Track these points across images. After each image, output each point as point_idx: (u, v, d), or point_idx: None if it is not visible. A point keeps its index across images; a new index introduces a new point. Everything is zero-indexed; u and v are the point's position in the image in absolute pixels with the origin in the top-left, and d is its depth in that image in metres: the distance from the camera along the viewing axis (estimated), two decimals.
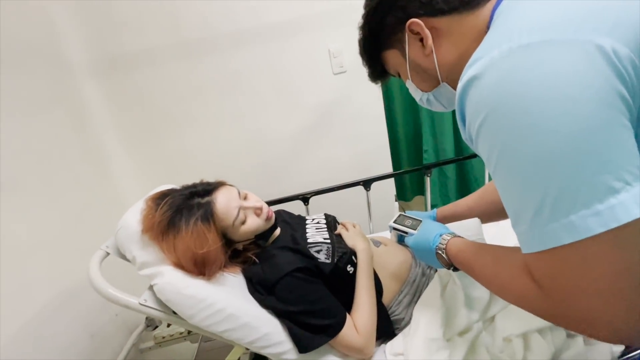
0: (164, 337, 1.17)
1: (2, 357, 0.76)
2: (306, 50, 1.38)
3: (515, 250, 0.44)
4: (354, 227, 0.93)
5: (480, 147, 0.41)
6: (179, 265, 0.68)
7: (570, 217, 0.33)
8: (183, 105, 1.39)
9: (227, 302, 0.67)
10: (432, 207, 1.73)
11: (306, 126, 1.48)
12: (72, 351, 0.95)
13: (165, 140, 1.42)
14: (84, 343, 0.99)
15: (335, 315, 0.72)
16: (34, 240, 0.91)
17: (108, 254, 0.74)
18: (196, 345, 1.25)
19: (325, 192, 1.25)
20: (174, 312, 0.67)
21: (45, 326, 0.88)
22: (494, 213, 0.81)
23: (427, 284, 0.85)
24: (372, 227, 1.34)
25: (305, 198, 1.25)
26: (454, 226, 0.70)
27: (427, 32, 0.50)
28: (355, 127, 1.50)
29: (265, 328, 0.69)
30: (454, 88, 0.55)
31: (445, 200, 1.86)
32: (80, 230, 1.07)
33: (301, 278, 0.71)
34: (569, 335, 0.71)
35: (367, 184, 1.26)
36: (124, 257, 0.74)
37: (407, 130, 1.91)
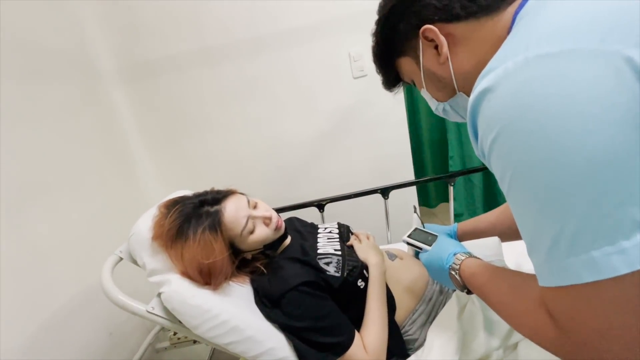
0: (179, 338, 1.19)
1: (25, 352, 0.80)
2: (326, 54, 1.36)
3: (533, 279, 0.39)
4: (368, 238, 0.89)
5: (493, 166, 0.37)
6: (186, 274, 0.68)
7: (592, 253, 0.29)
8: (204, 110, 1.42)
9: (232, 313, 0.66)
10: (457, 216, 1.65)
11: (325, 131, 1.46)
12: (92, 348, 0.98)
13: (186, 144, 1.46)
14: (103, 341, 1.03)
15: (343, 333, 0.68)
16: (59, 239, 0.95)
17: (121, 258, 0.76)
18: (211, 347, 1.27)
19: (341, 199, 1.22)
20: (180, 321, 0.67)
21: (66, 323, 0.92)
22: (517, 231, 0.74)
23: (444, 303, 0.79)
24: (390, 237, 1.29)
25: (320, 205, 1.23)
26: (472, 244, 0.65)
27: (442, 38, 0.47)
28: (376, 132, 1.46)
29: (270, 342, 0.67)
30: None
31: (471, 209, 1.77)
32: (103, 231, 1.11)
33: (308, 292, 0.69)
34: None
35: (385, 192, 1.22)
36: (135, 262, 0.76)
37: (432, 136, 1.84)
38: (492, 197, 1.72)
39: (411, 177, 1.53)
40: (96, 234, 1.08)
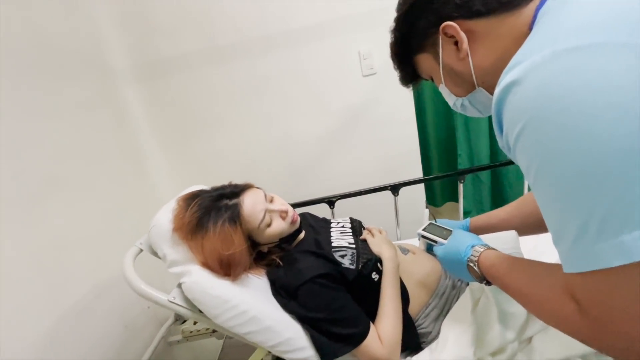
0: (191, 332, 1.21)
1: (45, 342, 0.81)
2: (336, 52, 1.37)
3: (555, 267, 0.40)
4: (380, 233, 0.91)
5: (519, 157, 0.37)
6: (206, 265, 0.69)
7: (622, 238, 0.30)
8: (215, 108, 1.44)
9: (251, 304, 0.68)
10: (465, 214, 1.66)
11: (334, 129, 1.47)
12: (108, 339, 1.00)
13: (197, 142, 1.47)
14: (118, 333, 1.05)
15: (358, 324, 0.70)
16: (76, 233, 0.97)
17: (141, 250, 0.78)
18: (222, 341, 1.28)
19: (352, 195, 1.24)
20: (200, 311, 0.68)
21: (84, 315, 0.94)
22: (531, 226, 0.75)
23: (457, 298, 0.80)
24: (400, 234, 1.30)
25: (331, 201, 1.24)
26: (488, 238, 0.66)
27: (463, 35, 0.47)
28: (385, 129, 1.47)
29: (288, 333, 0.69)
30: (490, 93, 0.52)
31: (479, 208, 1.77)
32: (117, 226, 1.13)
33: (323, 284, 0.70)
34: None
35: (395, 188, 1.23)
36: (155, 254, 0.77)
37: (440, 134, 1.84)
38: (499, 195, 1.73)
39: (419, 175, 1.54)
40: (110, 229, 1.10)
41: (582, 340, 0.38)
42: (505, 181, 1.69)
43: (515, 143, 0.37)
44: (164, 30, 1.33)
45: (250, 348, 0.99)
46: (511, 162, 1.29)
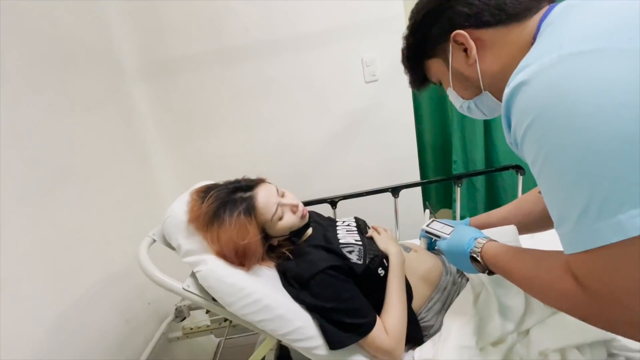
0: (191, 329, 1.21)
1: (49, 334, 0.81)
2: (340, 58, 1.42)
3: (556, 252, 0.44)
4: (386, 231, 0.94)
5: (526, 150, 0.41)
6: (222, 254, 0.71)
7: (618, 217, 0.33)
8: (220, 108, 1.46)
9: (264, 293, 0.70)
10: (461, 218, 1.70)
11: (336, 132, 1.51)
12: (110, 334, 1.00)
13: (202, 141, 1.49)
14: (120, 327, 1.05)
15: (366, 315, 0.73)
16: (81, 227, 0.97)
17: (154, 241, 0.79)
18: (220, 340, 1.28)
19: (354, 196, 1.27)
20: (214, 299, 0.70)
21: (87, 308, 0.94)
22: (530, 225, 0.80)
23: (458, 293, 0.84)
24: (399, 235, 1.34)
25: (333, 202, 1.27)
26: (489, 232, 0.70)
27: (472, 43, 0.52)
28: (385, 134, 1.51)
29: (299, 322, 0.71)
30: (496, 97, 0.56)
31: (473, 213, 1.82)
32: (121, 221, 1.13)
33: (334, 276, 0.73)
34: (610, 355, 0.68)
35: (395, 191, 1.27)
36: (169, 245, 0.79)
37: (435, 140, 1.90)
38: (494, 202, 1.78)
39: (417, 179, 1.59)
40: (114, 223, 1.10)
41: (583, 317, 0.42)
42: (500, 188, 1.74)
43: (524, 137, 0.41)
44: (174, 30, 1.36)
45: (249, 348, 1.00)
46: (506, 168, 1.36)
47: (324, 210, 1.26)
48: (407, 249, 0.95)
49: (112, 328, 1.02)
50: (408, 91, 1.45)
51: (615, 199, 0.34)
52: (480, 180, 1.77)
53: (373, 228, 0.95)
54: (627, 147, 0.33)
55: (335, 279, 0.73)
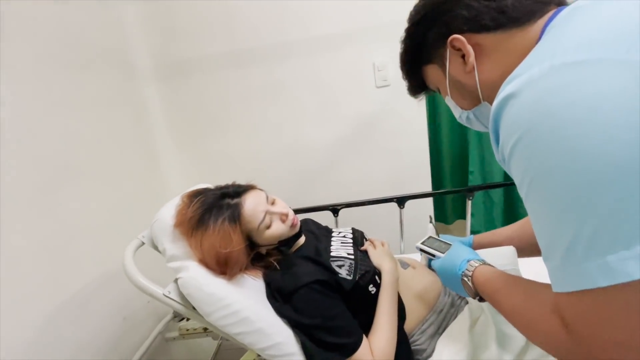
0: (187, 330, 1.22)
1: (44, 328, 0.83)
2: (351, 62, 1.39)
3: (547, 286, 0.39)
4: (382, 245, 0.89)
5: (513, 170, 0.37)
6: (204, 262, 0.70)
7: (608, 258, 0.29)
8: (229, 110, 1.47)
9: (244, 305, 0.68)
10: (473, 233, 1.61)
11: (345, 137, 1.48)
12: (106, 330, 1.02)
13: (210, 142, 1.51)
14: (117, 324, 1.07)
15: (351, 334, 0.68)
16: (84, 223, 1.00)
17: (143, 243, 0.79)
18: (217, 341, 1.28)
19: (356, 205, 1.23)
20: (194, 308, 0.69)
21: (85, 303, 0.96)
22: (536, 246, 0.73)
23: (456, 316, 0.78)
24: (403, 247, 1.28)
25: (335, 209, 1.23)
26: (486, 252, 0.64)
27: (469, 48, 0.48)
28: (395, 141, 1.46)
29: (278, 337, 0.68)
30: None
31: (490, 227, 1.72)
32: (125, 218, 1.16)
33: (319, 291, 0.69)
34: None
35: (401, 201, 1.22)
36: (156, 248, 0.79)
37: (453, 149, 1.81)
38: (512, 215, 1.68)
39: (428, 189, 1.52)
40: (118, 221, 1.13)
41: (565, 359, 0.37)
42: (519, 202, 1.64)
43: (510, 156, 0.36)
44: (187, 32, 1.38)
45: (245, 351, 0.99)
46: None
47: (326, 217, 1.23)
48: (405, 264, 0.89)
49: (108, 325, 1.04)
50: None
51: (605, 236, 0.29)
52: (497, 194, 1.67)
53: (369, 241, 0.91)
54: (620, 175, 0.28)
55: (320, 295, 0.69)
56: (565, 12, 0.41)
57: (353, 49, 1.37)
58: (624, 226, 0.28)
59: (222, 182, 0.85)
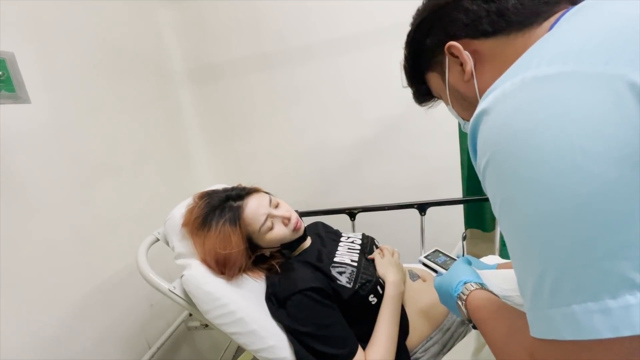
0: None
1: (77, 310, 0.93)
2: (376, 62, 1.34)
3: None
4: (393, 255, 0.86)
5: (487, 191, 0.33)
6: (205, 261, 0.73)
7: (573, 307, 0.25)
8: (256, 112, 1.51)
9: (241, 305, 0.70)
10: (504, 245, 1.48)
11: (369, 139, 1.44)
12: (133, 315, 1.12)
13: (238, 143, 1.57)
14: (144, 310, 1.16)
15: (345, 345, 0.67)
16: (118, 216, 1.10)
17: (158, 239, 0.85)
18: None
19: (374, 210, 1.19)
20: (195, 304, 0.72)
21: (115, 289, 1.06)
22: None
23: (464, 336, 0.72)
24: None
25: (352, 213, 1.21)
26: (491, 274, 0.58)
27: (467, 55, 0.44)
28: (422, 144, 1.39)
29: (272, 340, 0.69)
30: None
31: None
32: (156, 213, 1.25)
33: (314, 298, 0.69)
34: None
35: (422, 207, 1.15)
36: (168, 244, 0.84)
37: None
38: None
39: (458, 195, 1.42)
40: (149, 216, 1.22)
41: None
42: None
43: (483, 176, 0.33)
44: (217, 36, 1.44)
45: None
46: None
47: (342, 221, 1.21)
48: (415, 276, 0.85)
49: (136, 310, 1.13)
50: None
51: (569, 281, 0.25)
52: None
53: (379, 249, 0.88)
54: (584, 212, 0.24)
55: (315, 302, 0.69)
56: (569, 12, 0.36)
57: (378, 49, 1.32)
58: (589, 272, 0.24)
59: (248, 180, 0.88)
